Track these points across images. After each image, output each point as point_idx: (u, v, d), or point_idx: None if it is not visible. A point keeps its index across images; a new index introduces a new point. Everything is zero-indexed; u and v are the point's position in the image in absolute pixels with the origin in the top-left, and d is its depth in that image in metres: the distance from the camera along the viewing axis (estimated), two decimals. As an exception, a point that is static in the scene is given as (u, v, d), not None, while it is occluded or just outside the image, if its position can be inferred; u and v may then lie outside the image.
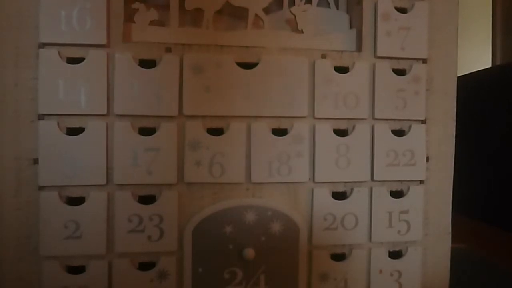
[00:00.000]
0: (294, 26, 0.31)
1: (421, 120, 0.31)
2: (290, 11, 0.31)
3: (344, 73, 0.30)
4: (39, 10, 0.27)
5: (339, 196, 0.30)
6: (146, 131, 0.28)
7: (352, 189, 0.30)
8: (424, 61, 0.31)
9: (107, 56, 0.27)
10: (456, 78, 0.32)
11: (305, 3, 0.31)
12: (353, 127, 0.30)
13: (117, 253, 0.28)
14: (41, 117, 0.27)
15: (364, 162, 0.30)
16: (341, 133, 0.30)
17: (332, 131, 0.30)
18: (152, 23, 0.29)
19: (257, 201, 0.29)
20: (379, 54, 0.30)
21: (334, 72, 0.30)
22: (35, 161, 0.27)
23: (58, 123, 0.27)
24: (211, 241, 0.29)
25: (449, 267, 0.32)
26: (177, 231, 0.29)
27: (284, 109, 0.29)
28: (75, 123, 0.27)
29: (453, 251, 0.32)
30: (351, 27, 0.32)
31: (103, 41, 0.27)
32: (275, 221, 0.30)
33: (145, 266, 0.28)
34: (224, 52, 0.29)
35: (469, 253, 0.48)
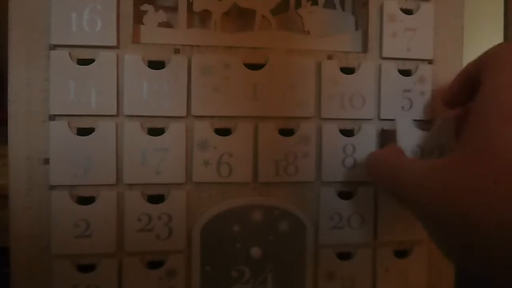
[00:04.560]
0: (300, 28, 0.31)
1: (427, 121, 0.31)
2: (297, 13, 0.31)
3: (350, 74, 0.30)
4: (50, 12, 0.27)
5: (346, 195, 0.31)
6: (155, 132, 0.28)
7: (358, 189, 0.31)
8: (430, 61, 0.31)
9: (116, 58, 0.28)
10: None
11: (311, 5, 0.31)
12: (359, 127, 0.30)
13: (127, 252, 0.28)
14: (52, 117, 0.27)
15: (370, 162, 0.30)
16: (347, 133, 0.30)
17: (339, 131, 0.30)
18: (160, 24, 0.29)
19: (264, 201, 0.30)
20: (385, 55, 0.31)
21: (340, 72, 0.30)
22: (46, 161, 0.27)
23: (68, 124, 0.27)
24: (219, 240, 0.29)
25: (454, 266, 0.32)
26: (185, 230, 0.29)
27: (291, 110, 0.30)
28: (85, 123, 0.28)
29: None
30: (357, 29, 0.32)
31: (113, 42, 0.28)
32: (282, 220, 0.30)
33: (154, 265, 0.29)
34: (231, 53, 0.29)
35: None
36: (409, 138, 0.28)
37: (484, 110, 0.19)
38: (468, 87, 0.24)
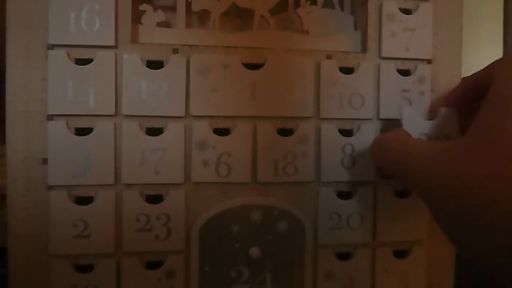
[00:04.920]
0: (299, 27, 0.31)
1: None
2: (296, 13, 0.31)
3: (349, 74, 0.30)
4: (48, 12, 0.27)
5: (345, 195, 0.31)
6: (154, 131, 0.28)
7: (357, 189, 0.31)
8: (429, 61, 0.31)
9: (115, 57, 0.28)
10: (460, 78, 0.32)
11: (310, 5, 0.31)
12: (359, 127, 0.30)
13: (125, 252, 0.28)
14: (50, 117, 0.27)
15: (369, 161, 0.30)
16: (346, 133, 0.30)
17: (338, 131, 0.30)
18: (159, 24, 0.29)
19: (263, 201, 0.30)
20: (384, 54, 0.30)
21: (339, 72, 0.30)
22: (44, 161, 0.27)
23: (67, 123, 0.27)
24: (218, 240, 0.29)
25: (454, 266, 0.32)
26: (184, 230, 0.29)
27: (290, 110, 0.30)
28: (83, 123, 0.28)
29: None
30: (356, 28, 0.32)
31: (111, 42, 0.27)
32: (281, 220, 0.30)
33: (152, 265, 0.29)
34: (230, 53, 0.29)
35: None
36: (414, 127, 0.27)
37: (496, 100, 0.19)
38: (475, 89, 0.25)
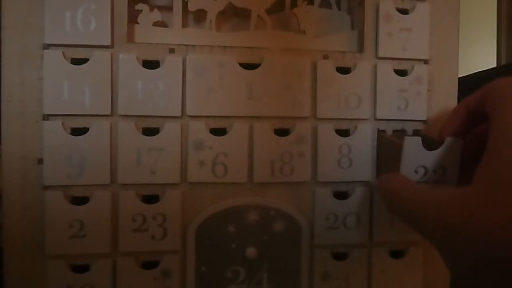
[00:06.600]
0: (296, 27, 0.31)
1: (423, 121, 0.31)
2: (293, 12, 0.31)
3: (346, 74, 0.30)
4: (44, 11, 0.27)
5: (341, 195, 0.31)
6: (150, 131, 0.28)
7: (354, 189, 0.31)
8: (426, 61, 0.31)
9: (111, 57, 0.28)
10: (457, 79, 0.32)
11: (307, 4, 0.31)
12: (355, 127, 0.30)
13: (121, 252, 0.28)
14: (46, 117, 0.27)
15: (366, 162, 0.30)
16: (343, 133, 0.30)
17: (334, 131, 0.30)
18: (155, 24, 0.29)
19: (259, 201, 0.30)
20: (380, 55, 0.30)
21: (336, 72, 0.30)
22: (40, 161, 0.27)
23: (62, 123, 0.27)
24: (214, 240, 0.29)
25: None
26: (180, 230, 0.29)
27: (287, 109, 0.30)
28: (79, 123, 0.28)
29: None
30: (352, 28, 0.32)
31: (107, 42, 0.27)
32: (278, 220, 0.30)
33: (149, 265, 0.29)
34: (227, 52, 0.29)
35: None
36: (415, 158, 0.26)
37: (498, 142, 0.20)
38: (470, 121, 0.25)
